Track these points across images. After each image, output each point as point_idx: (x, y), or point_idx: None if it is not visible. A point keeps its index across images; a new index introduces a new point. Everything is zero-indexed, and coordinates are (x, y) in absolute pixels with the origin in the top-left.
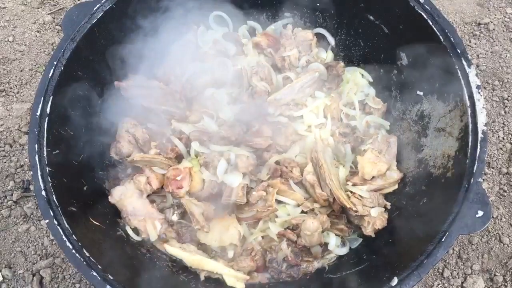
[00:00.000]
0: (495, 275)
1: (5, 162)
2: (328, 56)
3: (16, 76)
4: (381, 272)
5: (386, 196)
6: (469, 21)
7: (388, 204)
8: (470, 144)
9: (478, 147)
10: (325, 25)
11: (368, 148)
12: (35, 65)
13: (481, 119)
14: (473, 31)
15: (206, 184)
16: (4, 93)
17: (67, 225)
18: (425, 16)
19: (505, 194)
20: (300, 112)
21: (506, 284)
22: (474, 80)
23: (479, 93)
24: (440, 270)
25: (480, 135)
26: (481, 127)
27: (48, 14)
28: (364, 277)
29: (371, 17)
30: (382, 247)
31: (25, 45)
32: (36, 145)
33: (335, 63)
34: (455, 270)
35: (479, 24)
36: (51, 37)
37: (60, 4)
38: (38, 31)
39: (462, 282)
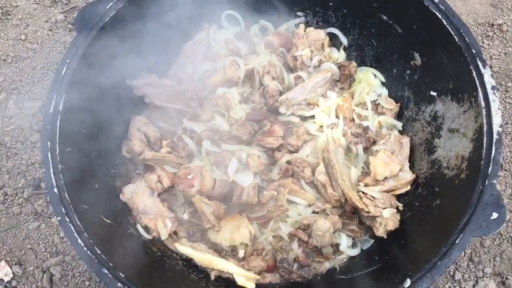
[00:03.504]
0: (507, 278)
1: (16, 160)
2: (341, 55)
3: (28, 75)
4: (393, 274)
5: (399, 197)
6: (482, 22)
7: (401, 205)
8: (485, 145)
9: (493, 148)
10: (337, 24)
11: (381, 148)
12: (47, 64)
13: (496, 120)
14: (486, 32)
15: (217, 183)
16: (16, 91)
17: (78, 222)
18: (439, 15)
19: None
20: (312, 112)
21: None
22: (489, 81)
23: (494, 94)
24: (452, 273)
25: (495, 136)
26: (496, 128)
27: (60, 13)
28: (376, 278)
29: (385, 17)
30: (394, 248)
31: (37, 43)
32: (49, 143)
33: (348, 63)
34: (467, 273)
35: (492, 25)
36: (63, 35)
37: (72, 3)
38: (50, 30)
39: (474, 285)
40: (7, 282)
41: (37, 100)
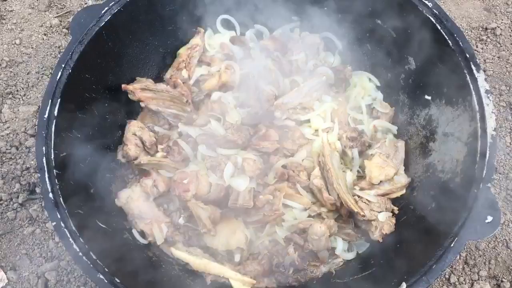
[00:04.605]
0: (502, 281)
1: (11, 165)
2: (336, 60)
3: (23, 79)
4: (389, 277)
5: (394, 201)
6: (476, 26)
7: (396, 209)
8: (479, 149)
9: (487, 152)
10: (332, 29)
11: (376, 152)
12: (42, 68)
13: (490, 124)
14: (480, 36)
15: (212, 187)
16: (10, 96)
17: (74, 228)
18: (433, 20)
19: None
20: (307, 116)
21: None
22: (483, 85)
23: (488, 97)
24: (447, 276)
25: (489, 140)
26: (490, 132)
27: (55, 17)
28: (372, 282)
29: (379, 21)
30: (390, 252)
31: (32, 48)
32: (44, 148)
33: (343, 67)
34: (462, 276)
35: (486, 29)
36: (58, 40)
37: (67, 7)
38: (45, 34)
39: None
40: (2, 287)
41: (32, 105)
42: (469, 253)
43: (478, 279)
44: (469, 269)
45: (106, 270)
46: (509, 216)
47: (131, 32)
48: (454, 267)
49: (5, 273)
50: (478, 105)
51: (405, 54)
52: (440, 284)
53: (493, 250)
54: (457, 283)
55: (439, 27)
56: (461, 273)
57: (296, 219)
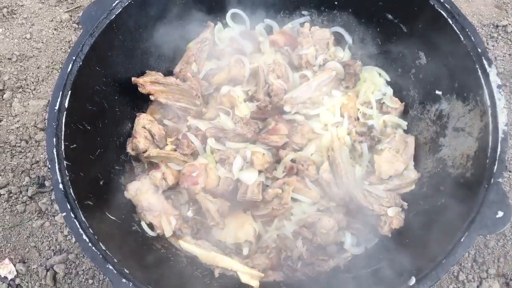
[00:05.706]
0: (511, 279)
1: (21, 158)
2: (345, 54)
3: (33, 73)
4: (398, 272)
5: (403, 196)
6: (487, 23)
7: (405, 204)
8: (490, 144)
9: (499, 147)
10: (342, 23)
11: (385, 147)
12: (51, 63)
13: (502, 119)
14: (491, 33)
15: (221, 180)
16: (21, 90)
17: (83, 219)
18: (445, 14)
19: None
20: (317, 111)
21: None
22: (495, 80)
23: (500, 92)
24: (455, 274)
25: (500, 135)
26: (501, 127)
27: (65, 12)
28: (381, 276)
29: (390, 16)
30: (399, 247)
31: (42, 42)
32: (54, 139)
33: (352, 61)
34: (471, 274)
35: (497, 26)
36: (68, 35)
37: (77, 2)
38: (55, 29)
39: (478, 286)
40: (10, 279)
41: (41, 99)
42: (478, 251)
43: (487, 277)
44: (477, 267)
45: (115, 261)
46: None
47: (141, 25)
48: (462, 264)
49: (14, 265)
50: (490, 100)
51: (416, 48)
52: (449, 282)
53: (502, 248)
54: (465, 280)
55: (450, 22)
56: (470, 271)
57: (304, 213)
